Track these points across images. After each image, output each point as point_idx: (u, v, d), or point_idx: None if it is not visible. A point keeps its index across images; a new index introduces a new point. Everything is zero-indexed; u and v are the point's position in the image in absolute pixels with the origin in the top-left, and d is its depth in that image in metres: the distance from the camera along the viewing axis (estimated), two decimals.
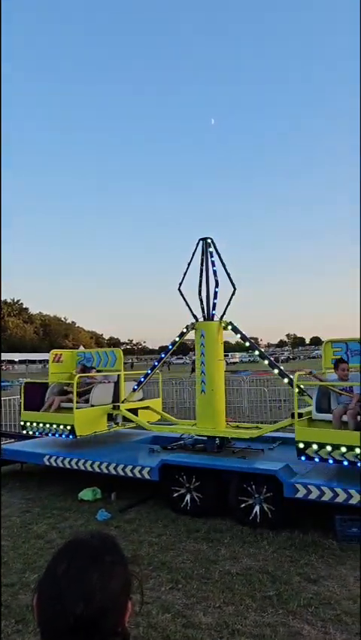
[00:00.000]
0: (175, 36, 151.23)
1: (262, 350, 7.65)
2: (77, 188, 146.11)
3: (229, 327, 7.29)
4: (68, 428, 7.26)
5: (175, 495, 6.18)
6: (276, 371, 6.96)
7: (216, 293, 7.40)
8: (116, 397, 7.98)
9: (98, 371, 8.44)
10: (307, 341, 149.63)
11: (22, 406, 8.13)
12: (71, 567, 0.91)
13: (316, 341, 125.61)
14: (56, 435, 7.49)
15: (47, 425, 7.58)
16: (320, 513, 5.56)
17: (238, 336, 7.37)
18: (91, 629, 0.87)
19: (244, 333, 7.34)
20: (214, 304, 7.40)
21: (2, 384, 26.31)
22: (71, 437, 7.27)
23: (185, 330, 7.51)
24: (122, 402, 7.88)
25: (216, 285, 7.40)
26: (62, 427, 7.36)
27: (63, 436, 7.37)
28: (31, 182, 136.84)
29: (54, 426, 7.47)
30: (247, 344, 7.47)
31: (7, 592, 4.23)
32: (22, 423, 8.09)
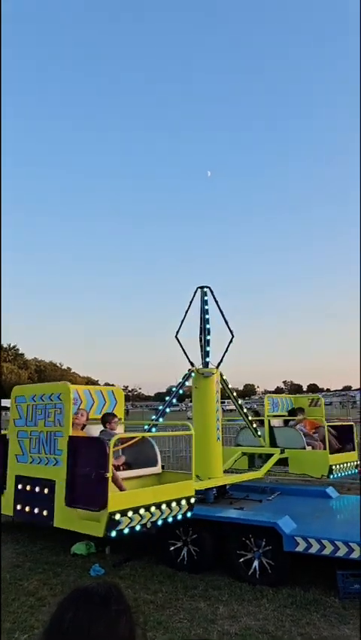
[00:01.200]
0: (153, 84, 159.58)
1: (241, 405, 8.02)
2: (72, 235, 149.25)
3: (222, 377, 7.40)
4: None
5: (172, 548, 6.00)
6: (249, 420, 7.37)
7: (208, 341, 7.51)
8: None
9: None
10: (305, 388, 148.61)
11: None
12: (78, 616, 0.92)
13: (313, 388, 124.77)
14: None
15: None
16: (323, 568, 5.40)
17: (228, 386, 7.60)
18: None
19: (230, 388, 7.60)
20: (207, 352, 7.48)
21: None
22: None
23: (182, 379, 7.50)
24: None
25: (208, 333, 7.51)
26: None
27: None
28: (26, 227, 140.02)
29: None
30: (234, 394, 7.74)
31: None
32: None
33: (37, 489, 5.54)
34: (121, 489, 5.31)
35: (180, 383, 7.52)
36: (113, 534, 4.70)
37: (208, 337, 7.49)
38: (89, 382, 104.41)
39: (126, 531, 4.81)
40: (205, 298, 7.67)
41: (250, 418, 8.29)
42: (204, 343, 7.47)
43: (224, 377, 7.44)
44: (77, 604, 0.95)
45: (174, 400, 7.45)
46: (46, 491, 5.41)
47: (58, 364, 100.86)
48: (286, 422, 8.95)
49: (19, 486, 5.81)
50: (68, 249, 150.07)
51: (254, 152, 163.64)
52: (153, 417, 7.49)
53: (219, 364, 7.39)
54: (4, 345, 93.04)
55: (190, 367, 7.46)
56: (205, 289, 7.72)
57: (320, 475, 7.67)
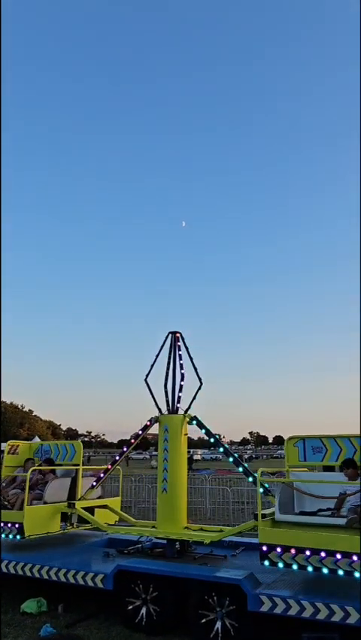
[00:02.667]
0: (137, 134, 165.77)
1: (227, 446, 7.54)
2: (39, 277, 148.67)
3: (194, 421, 7.23)
4: (17, 526, 6.67)
5: (130, 607, 5.64)
6: (240, 469, 6.83)
7: (181, 386, 7.44)
8: (72, 494, 7.48)
9: (55, 465, 7.98)
10: (270, 440, 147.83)
11: None
12: None
13: (279, 440, 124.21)
14: (3, 535, 6.84)
15: None
16: (288, 629, 5.16)
17: (203, 431, 7.29)
18: None
19: (208, 428, 7.27)
20: (179, 397, 7.39)
21: None
22: (18, 537, 6.66)
23: (148, 423, 7.37)
24: (79, 499, 7.40)
25: (182, 379, 7.46)
26: (9, 525, 6.76)
27: (10, 536, 6.74)
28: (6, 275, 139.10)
29: (1, 524, 6.85)
30: (212, 440, 7.37)
31: None
32: None
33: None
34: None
35: (145, 426, 7.35)
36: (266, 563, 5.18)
37: (182, 383, 7.42)
38: (51, 425, 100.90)
39: None
40: (178, 344, 7.67)
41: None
42: (177, 388, 7.39)
43: (199, 420, 7.23)
44: None
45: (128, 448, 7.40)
46: None
47: (19, 406, 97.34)
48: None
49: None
50: (35, 290, 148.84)
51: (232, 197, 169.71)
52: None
53: (187, 409, 7.29)
54: None
55: (157, 412, 7.34)
56: (177, 334, 7.73)
57: None
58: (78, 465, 7.86)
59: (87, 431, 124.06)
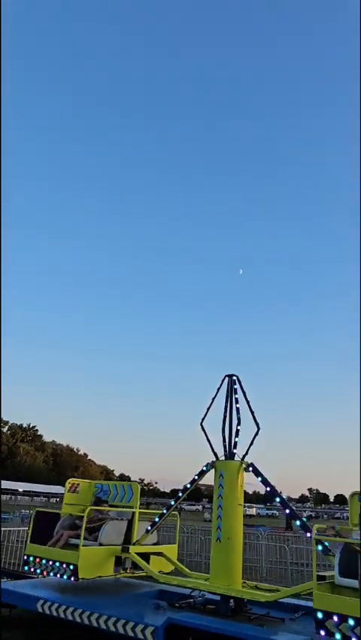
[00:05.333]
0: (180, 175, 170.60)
1: (284, 497, 7.16)
2: (94, 320, 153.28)
3: (250, 468, 6.96)
4: (71, 568, 6.59)
5: None
6: (298, 522, 6.42)
7: (238, 431, 7.25)
8: (127, 537, 7.31)
9: (111, 506, 7.90)
10: (331, 498, 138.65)
11: (29, 538, 7.51)
12: None
13: (341, 499, 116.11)
14: (57, 575, 6.75)
15: (50, 563, 6.89)
16: None
17: (259, 479, 6.99)
18: None
19: (265, 476, 6.97)
20: (235, 443, 7.19)
21: (4, 517, 24.80)
22: (72, 578, 6.57)
23: (204, 469, 7.17)
24: (134, 544, 7.22)
25: (239, 423, 7.28)
26: (64, 566, 6.69)
27: (65, 577, 6.67)
28: (45, 316, 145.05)
29: (57, 564, 6.80)
30: (268, 489, 7.02)
31: None
32: (25, 557, 7.40)
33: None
34: None
35: (201, 471, 7.15)
36: None
37: (238, 427, 7.24)
38: (105, 471, 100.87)
39: None
40: (235, 387, 7.56)
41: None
42: (231, 433, 7.21)
43: (256, 466, 6.96)
44: None
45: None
46: None
47: (75, 449, 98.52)
48: None
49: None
50: (94, 338, 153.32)
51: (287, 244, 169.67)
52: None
53: (244, 456, 7.06)
54: (24, 425, 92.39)
55: (213, 459, 7.15)
56: (234, 377, 7.64)
57: None
58: (135, 508, 7.74)
59: (140, 479, 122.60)
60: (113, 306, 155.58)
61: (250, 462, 6.99)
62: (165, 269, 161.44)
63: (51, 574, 6.89)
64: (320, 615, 4.75)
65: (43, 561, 6.99)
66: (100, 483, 8.82)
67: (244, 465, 6.96)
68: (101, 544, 7.01)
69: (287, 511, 6.62)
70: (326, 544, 5.90)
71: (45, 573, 7.00)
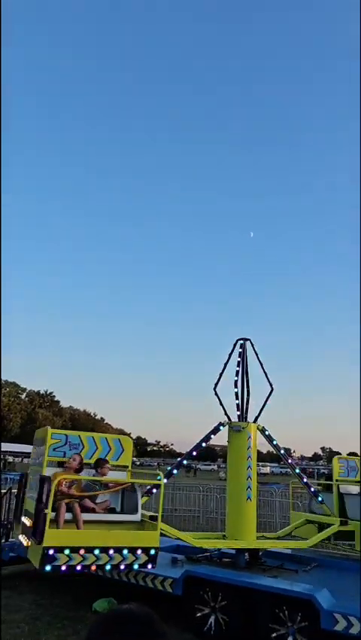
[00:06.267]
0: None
1: (293, 462, 7.36)
2: (109, 286, 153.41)
3: (265, 432, 7.11)
4: None
5: (199, 614, 5.59)
6: (305, 480, 6.69)
7: (249, 393, 7.33)
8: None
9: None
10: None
11: None
12: (115, 638, 0.88)
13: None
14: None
15: None
16: None
17: (272, 443, 7.18)
18: None
19: (276, 442, 7.15)
20: (247, 406, 7.28)
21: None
22: None
23: (220, 428, 7.25)
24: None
25: (247, 385, 7.35)
26: None
27: None
28: (65, 282, 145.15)
29: None
30: (281, 451, 7.23)
31: None
32: None
33: (27, 523, 6.10)
34: (78, 527, 5.50)
35: (215, 428, 7.29)
36: (48, 568, 5.00)
37: (249, 390, 7.33)
38: (122, 433, 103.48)
39: (64, 568, 5.08)
40: (247, 350, 7.60)
41: (319, 481, 7.67)
42: (243, 397, 7.31)
43: (267, 432, 7.12)
44: (114, 625, 0.90)
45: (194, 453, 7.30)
46: (28, 524, 6.04)
47: (92, 414, 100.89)
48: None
49: (25, 520, 6.43)
50: (108, 303, 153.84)
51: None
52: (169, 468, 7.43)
53: (256, 418, 7.17)
54: (41, 392, 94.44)
55: (224, 420, 7.27)
56: (246, 341, 7.66)
57: None
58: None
59: (156, 441, 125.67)
60: (128, 271, 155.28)
61: (261, 426, 7.11)
62: (176, 232, 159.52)
63: None
64: None
65: None
66: (61, 433, 6.53)
67: (256, 427, 7.09)
68: None
69: (297, 470, 6.90)
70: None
71: None
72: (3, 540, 8.07)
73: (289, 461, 7.37)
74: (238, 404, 7.31)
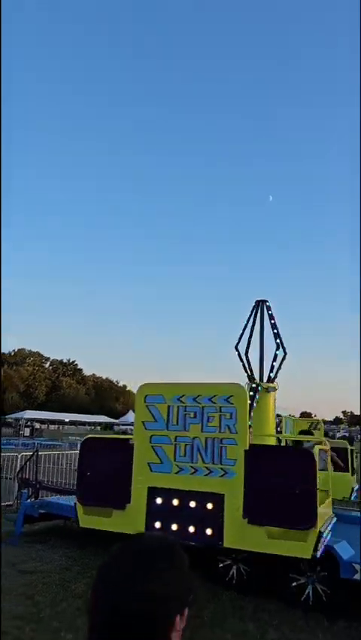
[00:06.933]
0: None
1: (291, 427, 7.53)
2: (124, 253, 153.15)
3: (275, 390, 7.16)
4: None
5: (220, 565, 5.80)
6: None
7: (275, 355, 7.36)
8: None
9: None
10: None
11: None
12: (117, 565, 0.90)
13: None
14: None
15: None
16: None
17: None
18: (119, 631, 0.83)
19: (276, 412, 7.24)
20: (272, 366, 7.33)
21: (52, 443, 26.65)
22: None
23: (258, 388, 7.38)
24: None
25: (261, 348, 7.40)
26: None
27: None
28: (94, 262, 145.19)
29: None
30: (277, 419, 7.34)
31: None
32: None
33: (192, 504, 4.91)
34: None
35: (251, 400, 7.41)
36: (319, 554, 4.57)
37: (262, 352, 7.38)
38: None
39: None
40: (265, 312, 7.59)
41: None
42: (263, 357, 7.36)
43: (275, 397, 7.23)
44: (123, 553, 0.92)
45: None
46: (209, 506, 4.84)
47: (114, 382, 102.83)
48: (297, 443, 8.44)
49: (158, 500, 5.07)
50: (124, 270, 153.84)
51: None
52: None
53: (273, 378, 7.22)
54: (64, 361, 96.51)
55: (248, 381, 7.35)
56: (264, 303, 7.64)
57: (342, 497, 7.41)
58: None
59: None
60: (145, 235, 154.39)
61: (276, 385, 7.17)
62: (197, 193, 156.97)
63: None
64: None
65: None
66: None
67: (272, 386, 7.14)
68: None
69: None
70: None
71: None
72: (33, 499, 8.46)
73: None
74: (248, 366, 7.36)
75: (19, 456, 11.35)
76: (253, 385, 7.22)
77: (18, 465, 10.68)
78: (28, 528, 7.75)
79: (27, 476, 9.40)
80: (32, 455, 9.67)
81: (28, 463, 9.58)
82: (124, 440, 5.71)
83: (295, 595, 5.20)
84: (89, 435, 6.63)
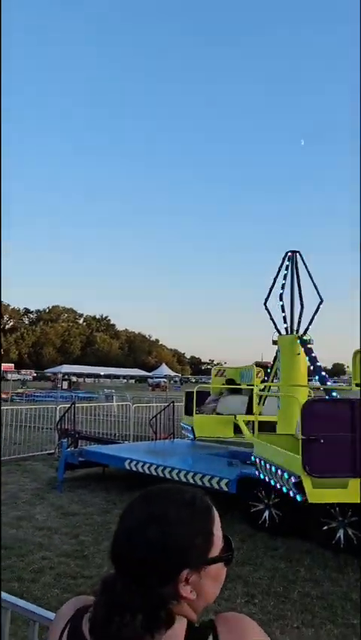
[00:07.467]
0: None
1: (325, 376, 7.16)
2: (155, 208, 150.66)
3: (306, 343, 6.99)
4: (190, 429, 8.41)
5: (252, 510, 6.02)
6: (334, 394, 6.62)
7: (301, 306, 7.25)
8: (250, 409, 8.09)
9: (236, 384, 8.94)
10: None
11: (184, 411, 9.23)
12: (132, 512, 0.91)
13: None
14: (190, 435, 8.67)
15: (186, 426, 8.81)
16: None
17: (307, 358, 7.12)
18: (124, 577, 0.86)
19: (314, 355, 6.89)
20: (299, 317, 7.23)
21: (89, 396, 27.64)
22: (191, 436, 8.34)
23: (275, 346, 7.40)
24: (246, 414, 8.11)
25: (301, 300, 7.26)
26: (190, 428, 8.41)
27: (190, 435, 8.48)
28: (121, 208, 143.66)
29: (188, 427, 8.57)
30: (311, 366, 7.06)
31: (86, 584, 4.36)
32: (181, 424, 9.59)
33: None
34: None
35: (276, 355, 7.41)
36: None
37: (301, 303, 7.27)
38: (176, 354, 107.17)
39: None
40: (295, 263, 7.41)
41: None
42: (293, 309, 7.25)
43: (307, 342, 7.03)
44: (151, 497, 0.94)
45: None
46: None
47: (147, 336, 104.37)
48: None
49: None
50: (151, 224, 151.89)
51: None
52: None
53: (306, 329, 7.13)
54: (97, 316, 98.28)
55: (277, 335, 7.31)
56: (296, 253, 7.44)
57: None
58: (253, 385, 8.34)
59: (210, 359, 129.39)
60: (175, 193, 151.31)
61: (309, 337, 7.07)
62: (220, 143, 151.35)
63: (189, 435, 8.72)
64: None
65: (187, 425, 8.89)
66: (243, 369, 9.49)
67: (306, 338, 7.06)
68: (218, 413, 8.27)
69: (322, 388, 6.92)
70: None
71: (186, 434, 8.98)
72: (72, 448, 8.90)
73: (323, 374, 7.23)
74: (284, 318, 7.28)
75: (58, 408, 11.86)
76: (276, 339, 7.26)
77: (57, 416, 11.18)
78: (70, 475, 8.19)
79: (66, 427, 9.85)
80: (70, 407, 10.07)
81: (66, 414, 10.01)
82: (352, 400, 5.30)
83: (326, 538, 5.37)
84: (310, 398, 6.53)
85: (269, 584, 4.50)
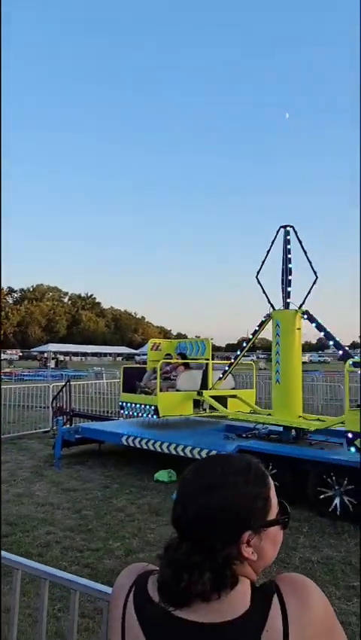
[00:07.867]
0: None
1: (338, 340, 7.32)
2: (148, 187, 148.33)
3: (305, 316, 7.09)
4: (152, 408, 7.82)
5: None
6: (350, 361, 6.68)
7: (290, 281, 7.25)
8: (204, 384, 8.19)
9: (189, 359, 8.78)
10: None
11: (122, 389, 8.88)
12: (199, 474, 0.96)
13: None
14: (144, 415, 8.14)
15: (138, 406, 8.23)
16: None
17: (314, 325, 7.16)
18: (190, 537, 0.90)
19: (320, 321, 7.07)
20: (289, 293, 7.25)
21: (78, 374, 27.65)
22: (155, 417, 7.91)
23: (263, 320, 7.45)
24: (208, 389, 8.11)
25: (290, 273, 7.26)
26: (147, 407, 7.97)
27: (150, 416, 8.02)
28: (116, 184, 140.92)
29: (143, 406, 8.11)
30: (322, 333, 7.19)
31: (93, 556, 4.44)
32: (120, 403, 8.90)
33: None
34: None
35: (261, 322, 7.47)
36: None
37: (290, 278, 7.26)
38: (162, 331, 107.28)
39: None
40: (288, 238, 7.38)
41: None
42: (286, 284, 7.25)
43: (310, 313, 7.11)
44: (221, 461, 0.98)
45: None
46: None
47: (133, 313, 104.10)
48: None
49: None
50: (136, 201, 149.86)
51: None
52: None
53: (301, 305, 7.17)
54: (82, 295, 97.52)
55: (269, 311, 7.35)
56: (288, 228, 7.42)
57: None
58: (208, 359, 8.52)
59: (196, 336, 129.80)
60: (163, 170, 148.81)
61: (305, 309, 7.12)
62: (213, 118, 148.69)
63: (143, 414, 8.18)
64: (349, 435, 5.71)
65: (133, 405, 8.36)
66: (180, 342, 9.81)
67: (299, 312, 7.11)
68: (178, 390, 8.03)
69: (340, 352, 6.86)
70: None
71: (136, 414, 8.35)
72: (68, 425, 8.94)
73: (337, 339, 7.31)
74: (283, 293, 7.29)
75: (51, 386, 11.87)
76: (268, 313, 7.32)
77: (50, 395, 11.18)
78: (67, 452, 8.25)
79: (61, 405, 9.87)
80: (64, 385, 10.08)
81: (61, 393, 10.02)
82: None
83: (323, 506, 5.54)
84: None
85: None
